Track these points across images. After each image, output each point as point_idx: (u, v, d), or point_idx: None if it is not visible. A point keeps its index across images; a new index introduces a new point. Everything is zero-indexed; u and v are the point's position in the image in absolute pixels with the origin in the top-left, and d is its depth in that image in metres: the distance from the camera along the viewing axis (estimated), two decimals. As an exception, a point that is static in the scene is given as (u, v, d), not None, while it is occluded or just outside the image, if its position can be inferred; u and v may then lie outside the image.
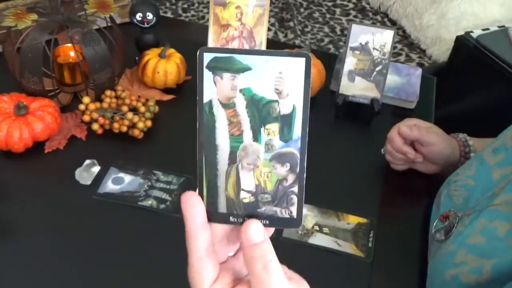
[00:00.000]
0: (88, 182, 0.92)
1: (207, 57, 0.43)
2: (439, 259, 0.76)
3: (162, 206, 0.89)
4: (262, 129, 0.43)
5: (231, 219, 0.45)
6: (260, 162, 0.44)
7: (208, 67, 0.44)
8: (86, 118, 1.00)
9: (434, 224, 0.83)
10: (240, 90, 0.43)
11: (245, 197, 0.45)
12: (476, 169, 0.82)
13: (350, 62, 1.07)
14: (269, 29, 2.05)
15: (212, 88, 0.45)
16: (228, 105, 0.45)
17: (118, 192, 0.91)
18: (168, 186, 0.93)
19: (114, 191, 0.91)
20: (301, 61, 0.41)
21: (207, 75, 0.44)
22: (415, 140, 0.95)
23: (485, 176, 0.80)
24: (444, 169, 0.98)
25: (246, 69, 0.43)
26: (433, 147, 0.94)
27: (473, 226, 0.74)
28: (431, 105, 1.18)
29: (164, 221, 0.88)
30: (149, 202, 0.90)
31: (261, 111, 0.43)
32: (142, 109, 1.02)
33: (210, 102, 0.46)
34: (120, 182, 0.93)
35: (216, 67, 0.43)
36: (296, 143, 0.43)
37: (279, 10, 2.22)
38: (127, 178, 0.94)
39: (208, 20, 1.07)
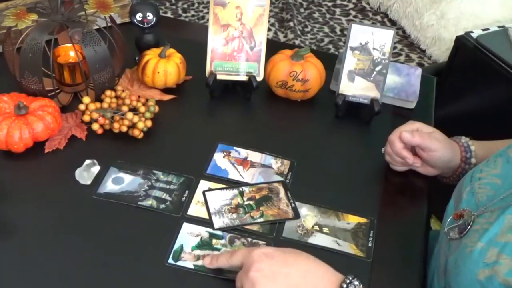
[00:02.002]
0: (88, 182, 0.92)
1: None
2: (464, 257, 0.74)
3: (162, 206, 0.89)
4: None
5: None
6: None
7: None
8: (86, 118, 1.00)
9: (447, 221, 0.82)
10: None
11: None
12: (502, 167, 0.81)
13: (350, 62, 1.07)
14: (269, 29, 2.05)
15: None
16: None
17: (118, 192, 0.91)
18: (168, 186, 0.93)
19: (114, 191, 0.91)
20: None
21: None
22: (416, 146, 0.95)
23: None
24: (443, 171, 0.98)
25: None
26: (434, 153, 0.94)
27: (500, 224, 0.72)
28: (431, 105, 1.18)
29: (164, 221, 0.88)
30: (149, 202, 0.90)
31: None
32: (142, 109, 1.02)
33: None
34: (120, 182, 0.93)
35: None
36: None
37: (279, 10, 2.22)
38: (127, 178, 0.94)
39: (208, 20, 1.07)
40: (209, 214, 0.89)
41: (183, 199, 0.91)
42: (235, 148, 1.01)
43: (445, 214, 0.87)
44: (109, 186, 0.92)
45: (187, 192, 0.92)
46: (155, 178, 0.94)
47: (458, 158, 0.96)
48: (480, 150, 0.96)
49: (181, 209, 0.89)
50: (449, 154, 0.95)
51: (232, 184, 0.94)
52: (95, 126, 1.00)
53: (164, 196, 0.91)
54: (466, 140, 0.98)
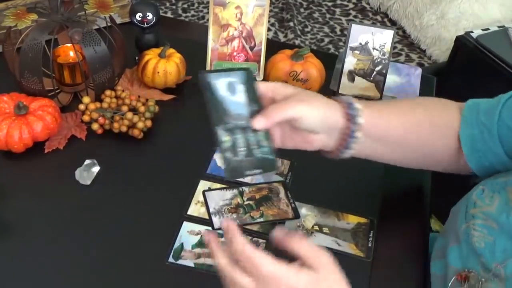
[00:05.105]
0: (88, 182, 0.92)
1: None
2: None
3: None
4: None
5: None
6: None
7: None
8: (86, 118, 1.00)
9: (450, 283, 0.74)
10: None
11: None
12: (498, 208, 0.72)
13: (350, 62, 1.07)
14: (269, 29, 2.05)
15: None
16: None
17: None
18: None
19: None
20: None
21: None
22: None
23: (507, 220, 0.70)
24: (327, 136, 0.78)
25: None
26: (301, 120, 0.74)
27: None
28: (431, 105, 1.18)
29: (164, 220, 0.88)
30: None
31: None
32: (142, 109, 1.02)
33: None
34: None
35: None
36: None
37: (279, 10, 2.22)
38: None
39: (208, 20, 1.07)
40: (209, 214, 0.89)
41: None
42: (235, 148, 1.01)
43: (434, 253, 0.83)
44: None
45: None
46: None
47: (339, 115, 0.76)
48: (368, 109, 0.79)
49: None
50: (320, 113, 0.75)
51: (232, 184, 0.94)
52: (95, 126, 1.00)
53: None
54: (349, 97, 0.80)
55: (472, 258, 0.73)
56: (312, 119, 0.74)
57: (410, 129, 0.81)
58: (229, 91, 0.73)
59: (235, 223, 0.66)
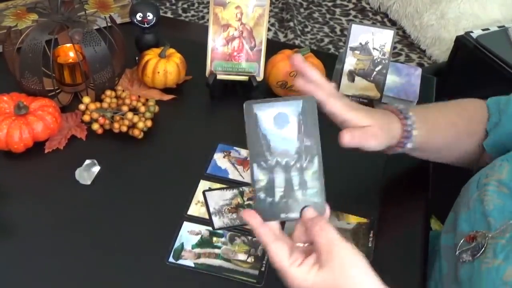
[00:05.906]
0: (88, 182, 0.92)
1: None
2: (481, 276, 0.70)
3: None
4: None
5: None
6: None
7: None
8: (86, 118, 1.00)
9: (459, 244, 0.77)
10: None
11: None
12: (508, 173, 0.77)
13: (350, 62, 1.07)
14: (269, 29, 2.05)
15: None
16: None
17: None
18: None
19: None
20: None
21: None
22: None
23: None
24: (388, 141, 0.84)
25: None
26: (369, 148, 0.81)
27: None
28: (431, 105, 1.18)
29: (164, 220, 0.88)
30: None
31: None
32: (142, 109, 1.02)
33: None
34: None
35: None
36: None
37: (279, 10, 2.22)
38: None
39: (208, 20, 1.07)
40: (209, 214, 0.89)
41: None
42: (235, 148, 1.01)
43: (445, 228, 0.85)
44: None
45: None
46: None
47: (395, 121, 0.84)
48: (415, 111, 0.85)
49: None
50: (386, 142, 0.83)
51: (232, 184, 0.94)
52: (95, 126, 1.00)
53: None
54: (397, 105, 0.87)
55: (480, 220, 0.76)
56: (377, 148, 0.82)
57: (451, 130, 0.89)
58: (276, 124, 0.66)
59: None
